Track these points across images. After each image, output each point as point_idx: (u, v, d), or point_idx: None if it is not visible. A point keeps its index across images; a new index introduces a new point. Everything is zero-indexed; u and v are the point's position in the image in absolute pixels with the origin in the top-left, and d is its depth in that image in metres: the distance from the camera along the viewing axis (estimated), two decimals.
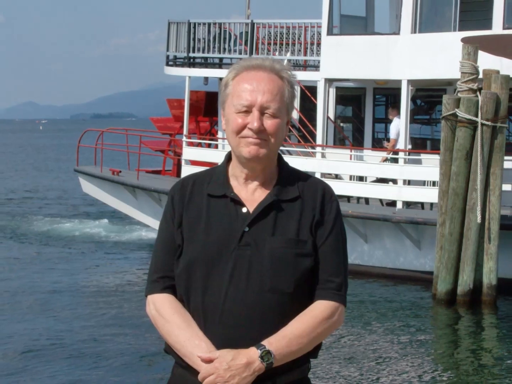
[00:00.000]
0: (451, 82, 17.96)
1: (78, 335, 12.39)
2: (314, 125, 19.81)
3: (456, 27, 17.94)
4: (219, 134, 22.19)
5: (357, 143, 21.18)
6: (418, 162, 18.74)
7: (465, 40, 16.28)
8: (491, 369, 11.41)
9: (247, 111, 3.00)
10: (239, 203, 3.03)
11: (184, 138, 21.68)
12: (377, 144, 20.82)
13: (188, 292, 3.01)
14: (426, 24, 18.60)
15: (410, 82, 18.35)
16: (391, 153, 18.88)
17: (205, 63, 22.41)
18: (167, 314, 3.01)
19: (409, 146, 18.77)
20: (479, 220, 14.42)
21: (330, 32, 19.54)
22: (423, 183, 18.16)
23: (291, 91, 3.07)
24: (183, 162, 21.31)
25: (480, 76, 15.00)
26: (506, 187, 15.55)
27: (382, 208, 18.12)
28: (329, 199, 3.07)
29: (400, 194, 17.76)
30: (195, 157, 21.18)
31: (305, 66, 20.83)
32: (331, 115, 21.18)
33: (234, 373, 2.86)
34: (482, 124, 14.51)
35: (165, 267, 3.07)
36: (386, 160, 18.97)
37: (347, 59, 19.09)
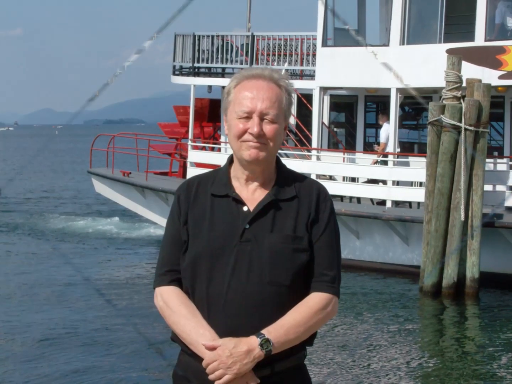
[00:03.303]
0: (436, 90, 17.94)
1: (91, 325, 12.39)
2: (310, 130, 19.80)
3: (441, 39, 17.92)
4: (222, 138, 22.18)
5: (350, 146, 21.17)
6: (406, 164, 18.73)
7: (449, 51, 16.32)
8: (473, 356, 11.41)
9: (248, 117, 2.99)
10: (240, 202, 3.03)
11: (189, 142, 21.66)
12: (368, 147, 20.80)
13: (193, 284, 3.01)
14: (413, 37, 18.58)
15: (399, 90, 18.34)
16: (381, 156, 18.88)
17: (209, 73, 22.40)
18: (174, 305, 3.01)
19: (398, 150, 18.76)
20: (462, 218, 14.43)
21: (324, 44, 19.54)
22: (410, 183, 18.15)
23: (289, 98, 3.07)
24: (188, 164, 21.29)
25: (464, 84, 15.01)
26: (487, 187, 15.55)
27: (372, 207, 18.11)
28: (324, 198, 3.07)
29: (389, 194, 17.75)
30: (200, 159, 21.17)
31: (301, 75, 20.83)
32: (326, 121, 21.16)
33: (236, 360, 2.86)
34: (466, 129, 14.52)
35: (172, 262, 3.07)
36: (376, 162, 18.96)
37: (341, 69, 19.08)
